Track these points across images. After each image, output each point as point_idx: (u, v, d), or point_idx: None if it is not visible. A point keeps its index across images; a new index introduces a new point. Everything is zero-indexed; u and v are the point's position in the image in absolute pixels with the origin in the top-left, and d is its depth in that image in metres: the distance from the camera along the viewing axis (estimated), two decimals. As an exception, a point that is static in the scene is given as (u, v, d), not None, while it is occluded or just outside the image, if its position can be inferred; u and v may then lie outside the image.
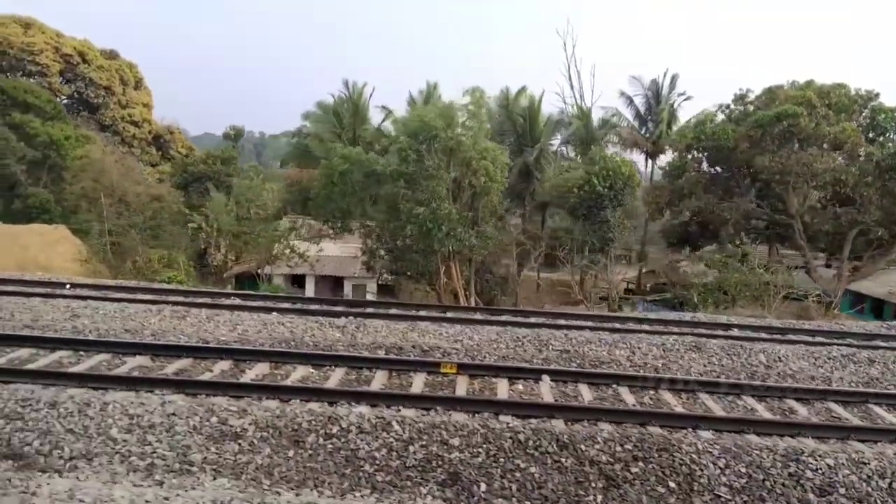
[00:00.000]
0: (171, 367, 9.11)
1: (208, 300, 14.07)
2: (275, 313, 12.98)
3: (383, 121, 42.05)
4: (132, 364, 9.15)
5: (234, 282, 29.42)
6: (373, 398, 8.01)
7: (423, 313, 13.80)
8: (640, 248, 40.14)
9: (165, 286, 16.21)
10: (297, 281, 25.62)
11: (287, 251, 22.99)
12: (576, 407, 8.06)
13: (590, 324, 13.05)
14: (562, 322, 13.18)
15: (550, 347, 11.85)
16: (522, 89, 38.72)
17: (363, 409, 7.77)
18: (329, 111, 49.52)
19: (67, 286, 14.98)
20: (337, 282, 26.93)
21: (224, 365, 9.37)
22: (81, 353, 9.51)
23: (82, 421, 7.11)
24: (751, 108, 28.35)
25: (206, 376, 8.73)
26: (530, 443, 7.17)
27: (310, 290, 25.98)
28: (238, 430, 7.15)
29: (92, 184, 33.38)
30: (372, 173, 21.05)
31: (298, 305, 13.55)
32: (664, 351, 11.90)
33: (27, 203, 34.99)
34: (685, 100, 44.33)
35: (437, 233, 18.12)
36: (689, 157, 25.31)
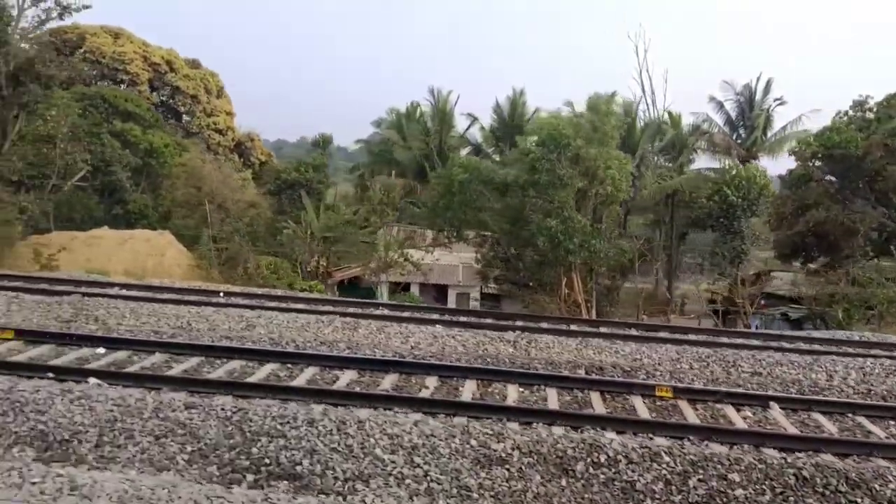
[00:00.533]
0: (387, 383, 8.97)
1: (358, 310, 14.05)
2: (439, 326, 12.82)
3: (468, 128, 42.00)
4: (347, 378, 9.05)
5: (336, 289, 29.65)
6: (620, 424, 7.67)
7: (586, 329, 13.44)
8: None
9: (312, 295, 16.25)
10: (403, 289, 25.62)
11: (401, 259, 23.00)
12: (842, 441, 7.52)
13: (773, 344, 12.42)
14: (740, 341, 12.59)
15: (739, 369, 11.29)
16: (613, 94, 37.98)
17: (612, 434, 7.44)
18: (403, 118, 49.87)
19: (221, 294, 15.21)
20: (439, 289, 26.84)
21: (433, 381, 9.19)
22: (289, 365, 9.47)
23: (344, 440, 6.96)
24: (870, 115, 27.06)
25: (440, 395, 8.56)
26: (817, 480, 6.68)
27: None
28: (502, 454, 6.89)
29: (192, 191, 34.26)
30: (489, 182, 20.84)
31: (462, 318, 13.36)
32: (864, 375, 11.19)
33: (127, 209, 36.07)
34: (779, 104, 42.76)
35: (569, 244, 17.76)
36: (813, 165, 24.20)
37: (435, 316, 13.72)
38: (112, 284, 15.57)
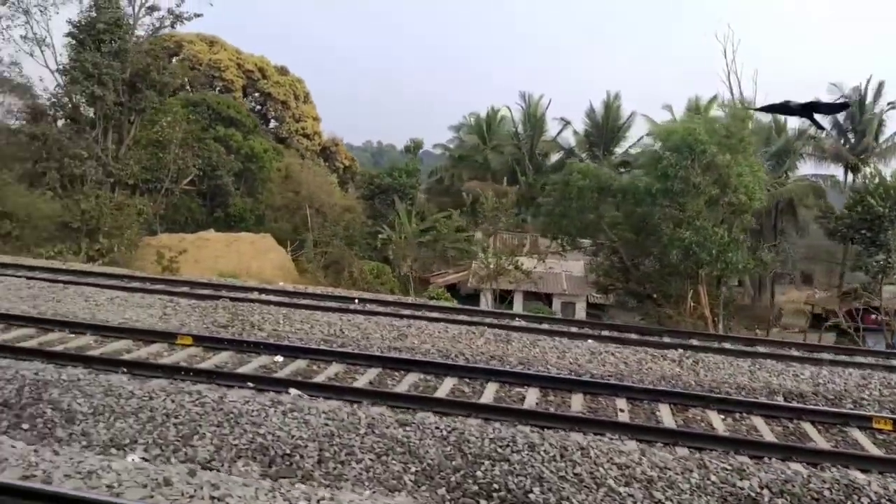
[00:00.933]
0: (576, 404, 8.55)
1: (494, 320, 13.69)
2: (591, 340, 12.31)
3: (560, 132, 41.30)
4: (533, 397, 8.68)
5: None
6: (864, 463, 6.96)
7: (742, 347, 12.64)
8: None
9: (440, 304, 16.04)
10: (504, 297, 25.24)
11: (512, 267, 22.65)
12: None
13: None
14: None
15: (940, 399, 10.26)
16: (714, 98, 36.57)
17: (856, 473, 6.75)
18: (484, 122, 49.58)
19: (356, 301, 15.15)
20: (541, 298, 26.29)
21: (623, 403, 8.70)
22: (467, 380, 9.19)
23: (570, 468, 6.56)
24: None
25: (642, 420, 8.08)
26: None
27: (518, 307, 25.52)
28: (750, 493, 6.32)
29: (291, 195, 34.96)
30: (607, 189, 20.18)
31: (615, 333, 12.81)
32: None
33: (227, 212, 37.12)
34: (892, 108, 40.12)
35: (704, 256, 16.91)
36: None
37: (585, 330, 13.22)
38: (250, 289, 15.77)
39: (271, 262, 31.91)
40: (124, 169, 27.57)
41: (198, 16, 30.99)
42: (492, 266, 22.78)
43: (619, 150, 40.37)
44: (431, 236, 34.74)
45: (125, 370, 8.37)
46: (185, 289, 15.15)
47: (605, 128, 39.66)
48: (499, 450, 6.77)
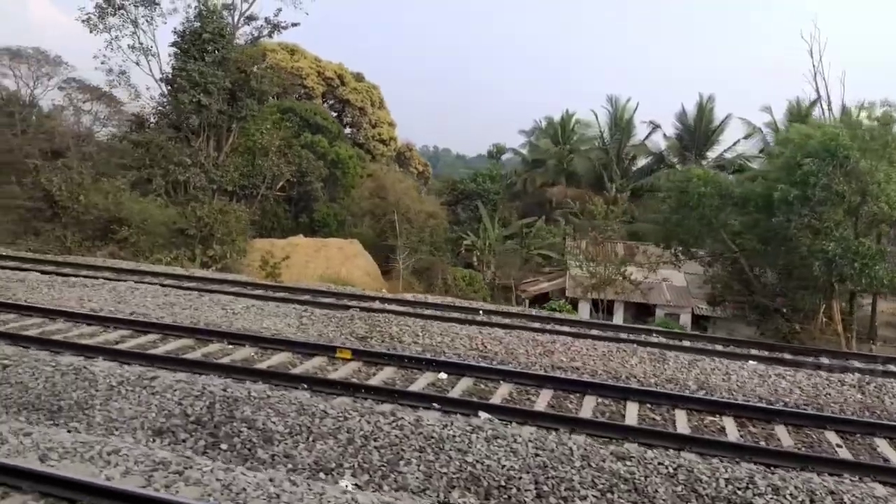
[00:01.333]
0: (784, 437, 7.81)
1: (632, 336, 12.99)
2: (752, 361, 11.46)
3: (648, 135, 40.00)
4: (732, 428, 7.99)
5: (528, 304, 28.94)
6: None
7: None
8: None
9: (561, 315, 15.44)
10: (598, 306, 24.37)
11: (620, 277, 21.84)
12: None
13: None
14: None
15: None
16: (816, 101, 34.56)
17: None
18: (558, 126, 48.62)
19: (480, 312, 14.73)
20: (640, 309, 25.32)
21: (832, 437, 7.90)
22: (648, 404, 8.58)
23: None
24: None
25: (866, 458, 7.29)
26: None
27: (618, 318, 24.62)
28: None
29: (377, 200, 35.02)
30: (727, 196, 19.13)
31: (777, 354, 11.92)
32: None
33: (312, 217, 37.49)
34: None
35: (848, 269, 15.71)
36: None
37: (732, 349, 12.39)
38: (371, 297, 15.56)
39: (359, 268, 31.99)
40: (224, 175, 28.12)
41: (295, 25, 31.43)
42: (601, 275, 21.93)
43: (711, 155, 38.79)
44: (515, 243, 34.17)
45: (305, 386, 8.14)
46: (308, 297, 15.07)
47: (698, 131, 38.16)
48: (738, 492, 6.13)
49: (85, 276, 15.07)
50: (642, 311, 25.29)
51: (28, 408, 7.52)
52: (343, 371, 9.21)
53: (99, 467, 5.58)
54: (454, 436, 6.86)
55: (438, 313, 14.00)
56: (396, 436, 6.91)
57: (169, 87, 28.27)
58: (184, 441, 6.93)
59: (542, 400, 8.54)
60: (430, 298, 16.46)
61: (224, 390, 7.65)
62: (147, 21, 28.33)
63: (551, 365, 10.44)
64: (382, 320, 12.62)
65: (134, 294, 13.71)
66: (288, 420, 7.18)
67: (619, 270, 22.02)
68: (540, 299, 28.31)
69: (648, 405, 8.60)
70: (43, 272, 15.23)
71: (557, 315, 15.35)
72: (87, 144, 32.87)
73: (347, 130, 55.55)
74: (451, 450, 6.70)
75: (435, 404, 7.77)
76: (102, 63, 28.29)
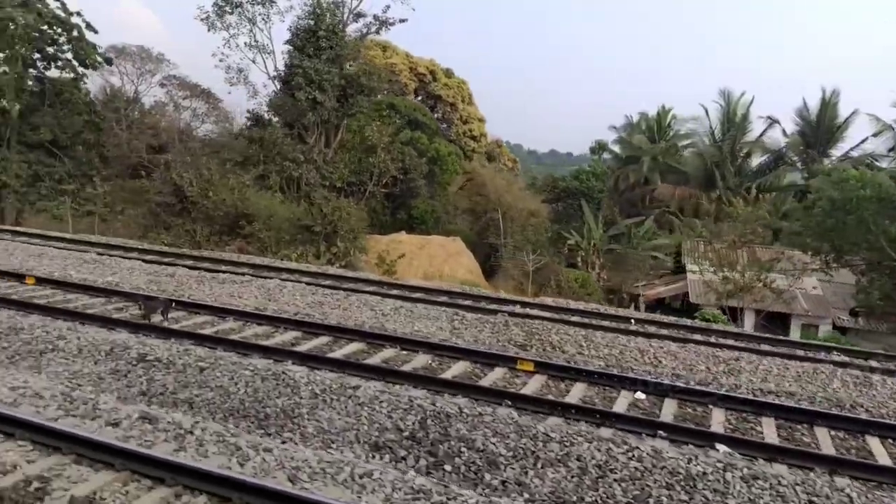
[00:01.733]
0: None
1: (809, 353, 11.80)
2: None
3: (764, 132, 37.62)
4: None
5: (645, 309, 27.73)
6: None
7: None
8: None
9: (719, 327, 14.34)
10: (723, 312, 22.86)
11: (760, 284, 20.40)
12: None
13: None
14: None
15: None
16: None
17: None
18: (654, 122, 46.66)
19: (632, 321, 13.86)
20: (770, 318, 23.65)
21: None
22: (891, 440, 7.56)
23: None
24: None
25: None
26: None
27: (747, 327, 23.07)
28: None
29: (478, 198, 34.53)
30: (888, 200, 17.41)
31: None
32: None
33: (410, 214, 37.40)
34: None
35: None
36: None
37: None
38: (510, 301, 14.94)
39: (463, 266, 31.60)
40: (334, 172, 28.29)
41: (402, 21, 31.29)
42: (738, 281, 20.46)
43: (836, 153, 36.08)
44: (622, 244, 32.88)
45: (509, 403, 7.61)
46: (445, 298, 14.61)
47: (821, 127, 35.51)
48: None
49: (227, 272, 15.17)
50: (773, 321, 23.60)
51: (234, 414, 7.32)
52: (533, 385, 8.64)
53: (355, 492, 5.19)
54: (705, 473, 6.13)
55: (589, 321, 13.24)
56: (636, 468, 6.25)
57: (283, 85, 28.68)
58: (404, 459, 6.52)
59: (768, 430, 7.67)
60: (573, 304, 15.68)
61: (433, 404, 7.21)
62: (263, 19, 28.87)
63: (737, 384, 9.53)
64: (540, 327, 12.02)
65: (282, 292, 13.67)
66: (509, 442, 6.66)
67: (760, 277, 20.52)
68: (654, 305, 27.04)
69: (891, 440, 7.59)
70: (188, 267, 15.45)
71: (715, 326, 14.27)
72: (189, 140, 34.02)
73: (443, 126, 55.58)
74: (705, 489, 5.97)
75: (661, 431, 7.05)
76: (221, 61, 29.01)
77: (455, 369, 9.08)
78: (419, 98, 55.64)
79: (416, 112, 39.21)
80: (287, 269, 16.55)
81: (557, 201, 36.05)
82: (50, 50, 29.91)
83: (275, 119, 29.62)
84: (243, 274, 15.00)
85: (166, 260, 16.51)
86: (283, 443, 6.55)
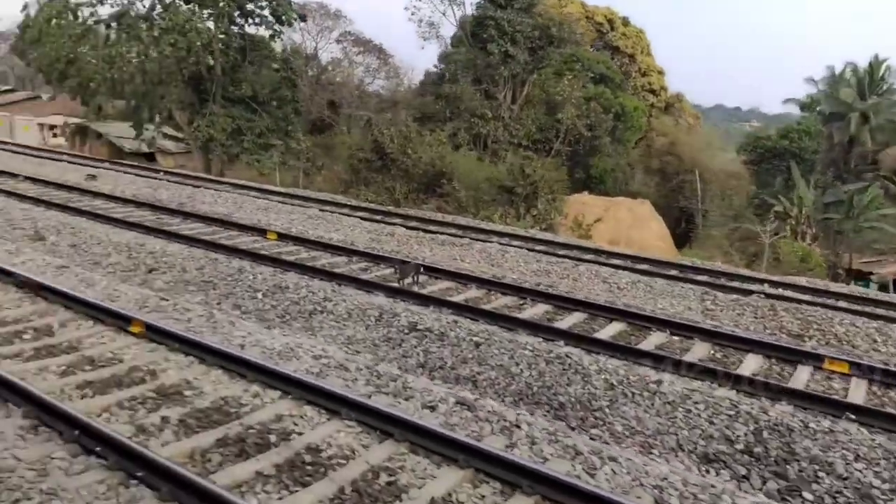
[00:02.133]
0: None
1: None
2: None
3: None
4: None
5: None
6: None
7: None
8: None
9: None
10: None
11: None
12: None
13: None
14: None
15: None
16: None
17: None
18: (865, 74, 39.84)
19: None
20: None
21: None
22: None
23: None
24: None
25: None
26: None
27: None
28: None
29: (670, 158, 31.95)
30: None
31: None
32: None
33: (589, 173, 35.52)
34: None
35: None
36: None
37: None
38: (751, 279, 13.13)
39: (652, 232, 29.54)
40: (521, 129, 27.30)
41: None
42: None
43: None
44: (840, 213, 28.88)
45: (851, 416, 6.28)
46: (676, 272, 13.19)
47: None
48: None
49: (444, 234, 14.80)
50: None
51: (524, 398, 6.73)
52: (859, 393, 7.18)
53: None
54: None
55: (872, 309, 11.14)
56: None
57: (472, 38, 27.94)
58: (745, 478, 5.52)
59: None
60: (833, 286, 13.62)
61: (765, 413, 6.10)
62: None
63: None
64: (816, 315, 10.31)
65: (505, 257, 13.10)
66: (880, 471, 5.40)
67: None
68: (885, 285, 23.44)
69: None
70: (403, 227, 15.37)
71: None
72: (365, 96, 34.56)
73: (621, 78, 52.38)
74: None
75: None
76: (413, 14, 28.79)
77: (749, 365, 7.84)
78: (595, 50, 52.72)
79: (599, 64, 36.82)
80: (496, 232, 15.97)
81: (761, 162, 32.32)
82: (249, 7, 31.39)
83: (462, 74, 29.06)
84: (461, 236, 14.61)
85: (377, 217, 16.61)
86: (592, 439, 5.83)
